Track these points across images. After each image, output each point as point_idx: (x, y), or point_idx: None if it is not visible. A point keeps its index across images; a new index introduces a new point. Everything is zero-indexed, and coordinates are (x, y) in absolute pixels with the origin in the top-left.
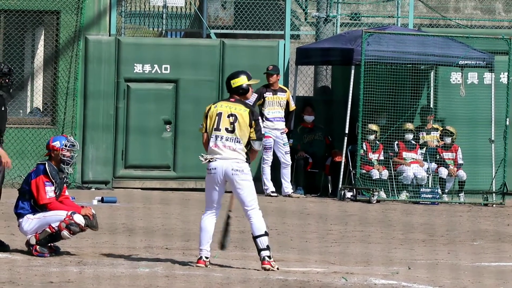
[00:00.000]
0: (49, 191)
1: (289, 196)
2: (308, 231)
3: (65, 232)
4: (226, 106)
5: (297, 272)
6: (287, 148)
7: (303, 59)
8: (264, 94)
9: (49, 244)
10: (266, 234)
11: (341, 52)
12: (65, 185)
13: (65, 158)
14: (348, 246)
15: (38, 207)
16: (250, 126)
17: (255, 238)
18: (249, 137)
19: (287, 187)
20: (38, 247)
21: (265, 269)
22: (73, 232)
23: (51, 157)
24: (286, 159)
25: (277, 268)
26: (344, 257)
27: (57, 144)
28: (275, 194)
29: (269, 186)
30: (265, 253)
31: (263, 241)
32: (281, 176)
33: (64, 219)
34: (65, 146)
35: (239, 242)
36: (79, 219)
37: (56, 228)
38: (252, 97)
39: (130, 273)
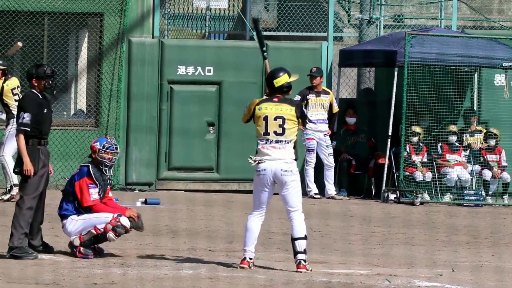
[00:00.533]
0: (93, 193)
1: (332, 198)
2: (352, 233)
3: (111, 234)
4: (271, 108)
5: (341, 274)
6: (331, 150)
7: (346, 61)
8: (307, 96)
9: (93, 246)
10: (305, 237)
11: (384, 54)
12: (108, 186)
13: (103, 160)
14: (391, 248)
15: (82, 208)
16: (298, 122)
17: (293, 240)
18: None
19: (330, 189)
20: (82, 248)
21: (299, 272)
22: (119, 234)
23: (93, 158)
24: (329, 161)
25: (311, 270)
26: (388, 259)
27: (97, 145)
28: (319, 196)
29: (313, 188)
30: (301, 257)
31: (301, 244)
32: (324, 178)
33: (110, 221)
34: (103, 147)
35: (282, 244)
36: (125, 221)
37: (101, 229)
38: (295, 98)
39: (173, 274)
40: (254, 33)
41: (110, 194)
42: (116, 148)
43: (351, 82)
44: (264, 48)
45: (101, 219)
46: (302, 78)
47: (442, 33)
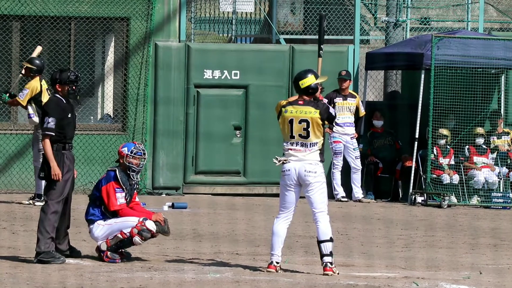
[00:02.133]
0: (120, 198)
1: (359, 201)
2: (378, 236)
3: (137, 238)
4: (296, 111)
5: (368, 277)
6: (357, 153)
7: (373, 64)
8: (334, 100)
9: (120, 250)
10: (331, 240)
11: (411, 56)
12: (135, 191)
13: (131, 165)
14: (418, 251)
15: (109, 213)
16: (323, 125)
17: (319, 242)
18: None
19: (357, 192)
20: (109, 253)
21: (326, 275)
22: (145, 238)
23: (120, 162)
24: (356, 164)
25: (338, 273)
26: (415, 262)
27: (125, 150)
28: (346, 199)
29: (340, 191)
30: (327, 259)
31: (327, 247)
32: (351, 181)
33: (136, 225)
34: (131, 152)
35: (309, 247)
36: (151, 225)
37: (128, 234)
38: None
39: (199, 278)
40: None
41: (137, 199)
42: (144, 154)
43: (378, 85)
44: (322, 46)
45: (127, 223)
46: (328, 81)
47: (468, 35)
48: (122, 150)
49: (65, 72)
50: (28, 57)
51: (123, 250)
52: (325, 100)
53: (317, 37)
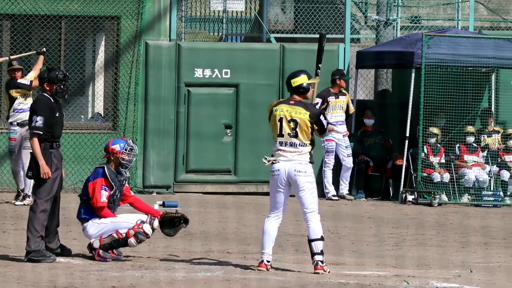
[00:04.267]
0: (103, 195)
1: (343, 197)
2: (369, 234)
3: (132, 240)
4: (287, 110)
5: (358, 275)
6: (349, 151)
7: (363, 62)
8: (328, 98)
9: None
10: (322, 239)
11: (401, 55)
12: (126, 185)
13: (124, 162)
14: (409, 250)
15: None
16: (312, 128)
17: (310, 241)
18: (312, 133)
19: (344, 188)
20: (101, 251)
21: (317, 273)
22: (140, 240)
23: (109, 160)
24: (347, 162)
25: (329, 272)
26: (405, 260)
27: (117, 147)
28: (336, 198)
29: (331, 190)
30: (318, 258)
31: (318, 246)
32: (340, 177)
33: (133, 227)
34: (125, 150)
35: (300, 246)
36: (147, 228)
37: (123, 235)
38: (317, 102)
39: (190, 277)
40: (317, 47)
41: (132, 193)
42: (135, 150)
43: (368, 83)
44: (320, 65)
45: (123, 224)
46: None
47: (459, 34)
48: (113, 147)
49: (53, 71)
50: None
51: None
52: (318, 100)
53: (308, 35)
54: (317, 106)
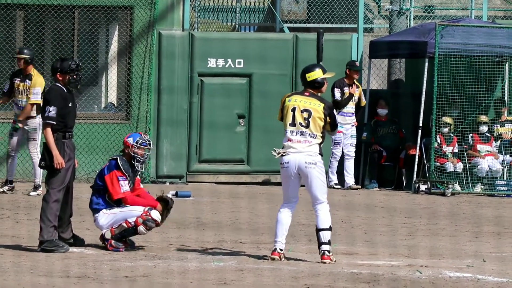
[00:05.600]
0: (124, 185)
1: (350, 188)
2: (382, 224)
3: (141, 228)
4: (301, 100)
5: (371, 265)
6: (353, 141)
7: (376, 52)
8: (344, 89)
9: (124, 239)
10: (330, 228)
11: (415, 45)
12: (137, 177)
13: (136, 155)
14: (422, 239)
15: (112, 202)
16: (325, 121)
17: (318, 230)
18: (323, 127)
19: (349, 179)
20: (113, 241)
21: (324, 263)
22: (149, 227)
23: (124, 152)
24: (350, 150)
25: (335, 261)
26: (418, 250)
27: (130, 140)
28: (338, 186)
29: (333, 179)
30: (325, 247)
31: (326, 235)
32: (344, 168)
33: (141, 214)
34: (137, 143)
35: (313, 236)
36: (156, 215)
37: (132, 223)
38: (336, 92)
39: (203, 267)
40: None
41: (142, 186)
42: (149, 144)
43: (381, 73)
44: (321, 63)
45: (132, 212)
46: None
47: (472, 23)
48: (127, 140)
49: (66, 61)
50: (18, 48)
51: (126, 239)
52: (337, 90)
53: (321, 25)
54: (337, 96)
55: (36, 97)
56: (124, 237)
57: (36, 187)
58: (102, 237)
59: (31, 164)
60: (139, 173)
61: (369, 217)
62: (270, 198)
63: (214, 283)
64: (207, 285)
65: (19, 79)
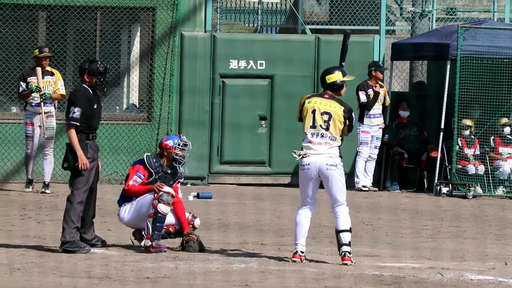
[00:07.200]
0: (133, 180)
1: (364, 187)
2: (404, 226)
3: (160, 206)
4: (321, 102)
5: (393, 267)
6: (378, 143)
7: (398, 54)
8: (368, 91)
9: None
10: (349, 230)
11: (437, 47)
12: (177, 184)
13: (177, 157)
14: (443, 242)
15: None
16: (344, 124)
17: (338, 232)
18: (342, 130)
19: (368, 180)
20: (154, 243)
21: (345, 264)
22: (167, 202)
23: (162, 155)
24: (373, 152)
25: (355, 263)
26: (440, 252)
27: (170, 142)
28: (366, 189)
29: (361, 180)
30: (345, 249)
31: (346, 237)
32: (364, 169)
33: (154, 196)
34: (179, 145)
35: (334, 238)
36: (166, 189)
37: (152, 210)
38: (362, 95)
39: (225, 268)
40: (341, 45)
41: (180, 195)
42: (189, 145)
43: (403, 75)
44: (343, 63)
45: (145, 198)
46: (354, 72)
47: (494, 26)
48: (166, 143)
49: (94, 63)
50: (37, 47)
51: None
52: (362, 93)
53: (343, 27)
54: (363, 98)
55: (63, 88)
56: (157, 229)
57: (47, 185)
58: (137, 234)
59: (42, 164)
60: (179, 177)
61: (391, 219)
62: (292, 200)
63: (236, 284)
64: (229, 286)
65: (34, 78)
